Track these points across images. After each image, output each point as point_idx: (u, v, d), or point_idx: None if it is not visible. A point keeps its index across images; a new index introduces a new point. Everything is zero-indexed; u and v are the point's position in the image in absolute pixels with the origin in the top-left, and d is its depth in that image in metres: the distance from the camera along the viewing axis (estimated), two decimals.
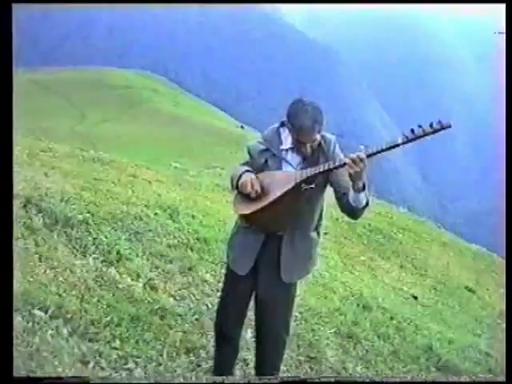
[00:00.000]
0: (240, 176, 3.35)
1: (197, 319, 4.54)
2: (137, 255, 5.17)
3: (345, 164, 3.00)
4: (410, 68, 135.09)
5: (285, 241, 3.39)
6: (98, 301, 4.20)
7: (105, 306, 4.15)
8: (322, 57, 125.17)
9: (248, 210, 3.32)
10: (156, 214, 6.38)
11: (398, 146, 2.91)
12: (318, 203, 3.41)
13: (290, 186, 3.19)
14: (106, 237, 5.19)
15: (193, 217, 6.80)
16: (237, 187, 3.38)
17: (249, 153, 3.52)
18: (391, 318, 6.10)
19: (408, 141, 2.89)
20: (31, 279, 4.07)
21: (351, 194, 3.09)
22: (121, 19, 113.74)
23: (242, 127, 35.87)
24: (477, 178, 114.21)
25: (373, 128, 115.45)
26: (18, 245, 4.39)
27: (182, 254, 5.58)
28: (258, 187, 3.27)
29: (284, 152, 3.36)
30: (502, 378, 2.81)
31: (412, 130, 2.87)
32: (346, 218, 4.23)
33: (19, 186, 5.39)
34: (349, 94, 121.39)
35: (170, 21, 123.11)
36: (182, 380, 3.76)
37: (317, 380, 3.73)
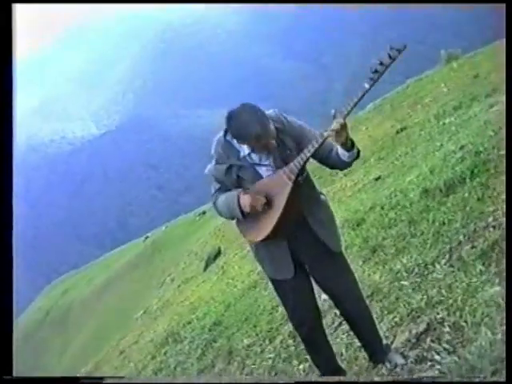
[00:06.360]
0: (238, 200, 3.12)
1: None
2: None
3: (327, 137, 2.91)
4: None
5: (311, 220, 3.23)
6: None
7: None
8: None
9: (263, 232, 3.15)
10: (165, 353, 6.27)
11: (367, 91, 2.82)
12: (308, 176, 3.28)
13: (289, 188, 3.05)
14: None
15: (189, 322, 6.74)
16: (242, 213, 3.14)
17: (216, 180, 3.26)
18: (382, 208, 6.15)
19: (375, 81, 2.81)
20: None
21: (343, 153, 3.01)
22: None
23: (146, 237, 35.57)
24: None
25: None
26: None
27: (210, 357, 5.48)
28: (262, 199, 3.09)
29: (248, 158, 3.15)
30: (502, 378, 2.81)
31: (376, 70, 2.78)
32: None
33: None
34: None
35: None
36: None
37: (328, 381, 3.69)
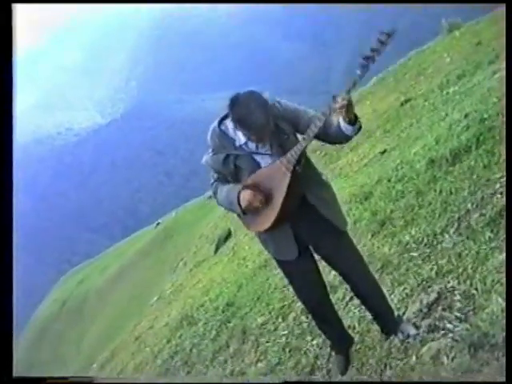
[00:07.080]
0: (238, 197, 3.07)
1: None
2: None
3: (329, 114, 2.90)
4: None
5: (312, 199, 3.22)
6: None
7: None
8: None
9: (266, 224, 3.14)
10: (180, 336, 6.33)
11: (360, 77, 2.81)
12: (307, 159, 3.24)
13: (288, 179, 3.02)
14: None
15: (202, 305, 6.75)
16: (242, 210, 3.11)
17: (215, 171, 3.23)
18: (389, 180, 6.11)
19: (367, 67, 2.79)
20: None
21: (346, 127, 2.97)
22: None
23: (157, 224, 35.54)
24: None
25: None
26: None
27: (224, 338, 5.53)
28: (261, 196, 3.06)
29: (245, 146, 3.11)
30: (502, 378, 2.79)
31: (367, 57, 2.77)
32: None
33: None
34: None
35: None
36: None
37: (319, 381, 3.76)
